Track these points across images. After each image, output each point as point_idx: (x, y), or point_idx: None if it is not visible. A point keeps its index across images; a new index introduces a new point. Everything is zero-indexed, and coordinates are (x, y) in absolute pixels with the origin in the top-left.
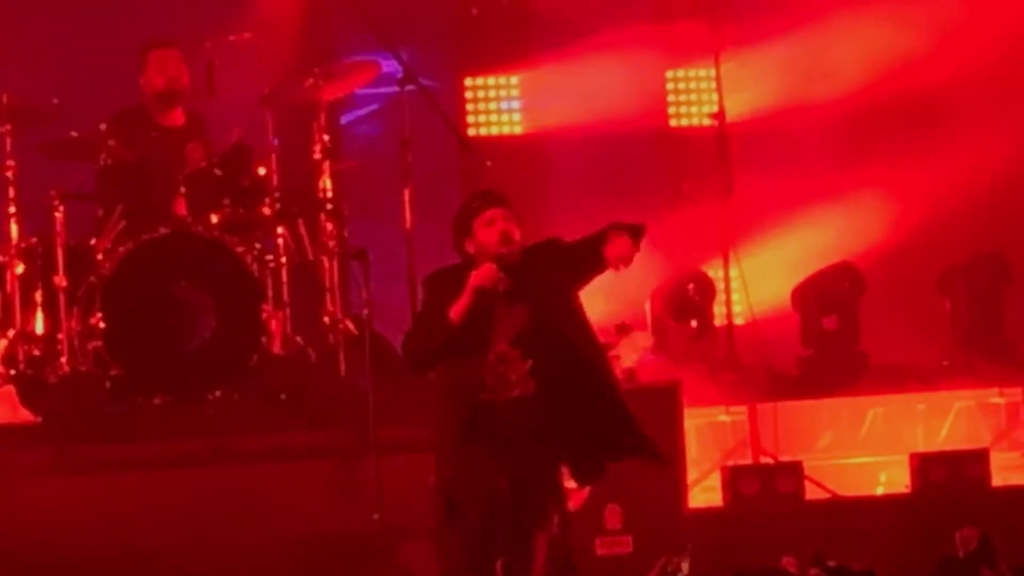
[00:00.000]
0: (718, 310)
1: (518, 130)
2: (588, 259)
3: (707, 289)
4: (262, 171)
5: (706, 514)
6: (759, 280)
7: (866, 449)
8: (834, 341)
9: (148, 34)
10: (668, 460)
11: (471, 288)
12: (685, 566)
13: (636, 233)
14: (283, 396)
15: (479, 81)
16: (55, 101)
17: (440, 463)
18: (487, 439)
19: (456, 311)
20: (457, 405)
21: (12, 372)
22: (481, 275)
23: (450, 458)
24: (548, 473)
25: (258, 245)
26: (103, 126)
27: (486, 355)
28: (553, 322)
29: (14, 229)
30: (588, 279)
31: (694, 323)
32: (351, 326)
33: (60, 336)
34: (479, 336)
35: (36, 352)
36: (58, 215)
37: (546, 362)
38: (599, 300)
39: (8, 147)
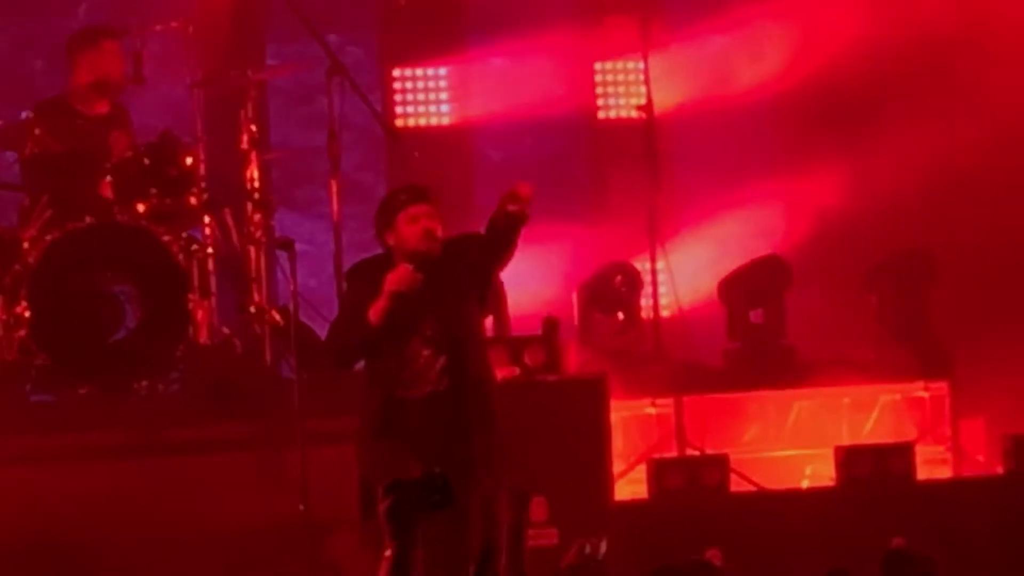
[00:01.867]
0: (645, 302)
1: (446, 121)
2: (495, 234)
3: (634, 281)
4: (189, 161)
5: (632, 507)
6: (686, 273)
7: (791, 442)
8: (760, 334)
9: (77, 24)
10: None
11: (387, 292)
12: (603, 547)
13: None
14: (209, 386)
15: (407, 72)
16: None
17: (360, 456)
18: (404, 433)
19: (375, 312)
20: (376, 400)
21: None
22: (397, 279)
23: (369, 451)
24: (465, 467)
25: (185, 235)
26: (28, 115)
27: (403, 352)
28: (458, 321)
29: None
30: (502, 257)
31: (621, 315)
32: (277, 316)
33: None
34: (397, 333)
35: None
36: None
37: (457, 359)
38: (526, 293)
39: None
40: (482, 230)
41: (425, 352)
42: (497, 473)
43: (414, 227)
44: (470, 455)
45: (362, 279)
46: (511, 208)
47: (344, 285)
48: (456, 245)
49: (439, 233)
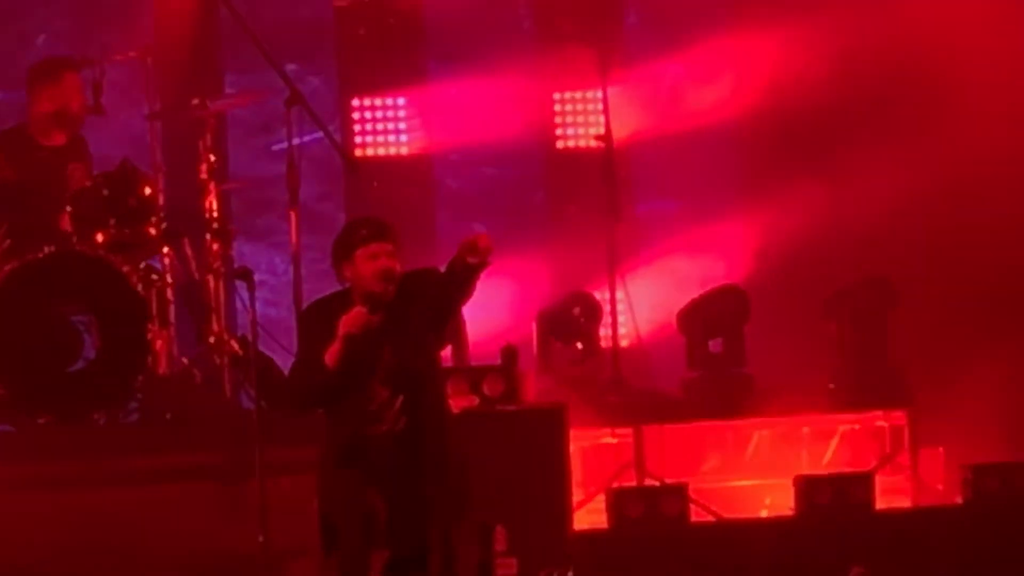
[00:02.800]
0: (604, 332)
1: (405, 151)
2: (453, 279)
3: (593, 311)
4: (148, 191)
5: (591, 536)
6: (645, 302)
7: (751, 472)
8: (720, 364)
9: (35, 55)
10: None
11: (341, 336)
12: None
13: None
14: (168, 416)
15: (366, 101)
16: None
17: (321, 487)
18: (365, 470)
19: (330, 357)
20: (337, 435)
21: None
22: (350, 321)
23: (330, 486)
24: (422, 505)
25: (143, 265)
26: None
27: (362, 391)
28: (413, 361)
29: None
30: (460, 301)
31: (580, 345)
32: (236, 346)
33: None
34: (354, 373)
35: None
36: None
37: (415, 398)
38: (485, 322)
39: None
40: (440, 265)
41: (383, 391)
42: (455, 510)
43: (373, 265)
44: (427, 493)
45: (317, 320)
46: (471, 260)
47: (300, 325)
48: (413, 281)
49: (397, 273)
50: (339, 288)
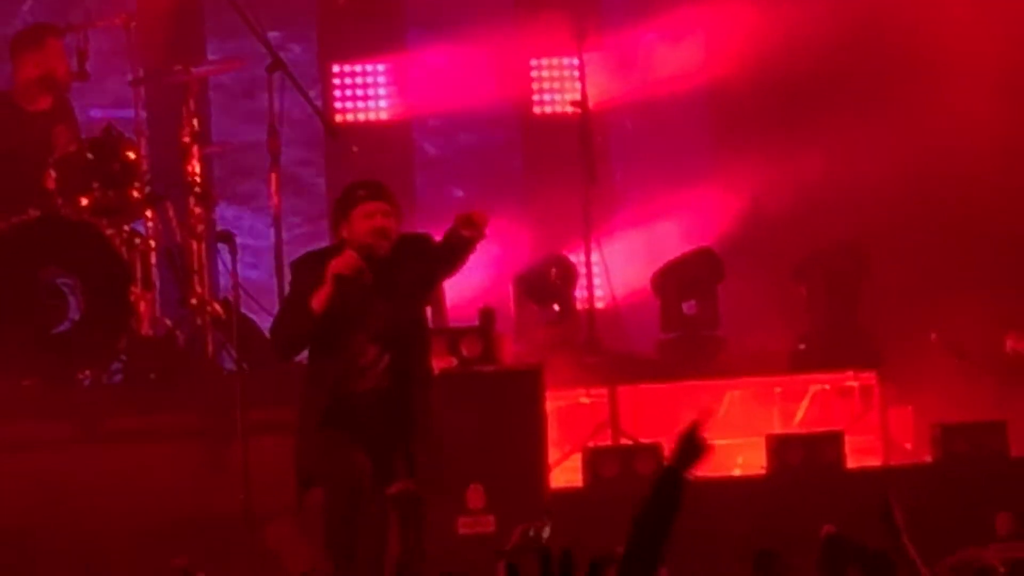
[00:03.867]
0: (579, 294)
1: (384, 116)
2: (448, 252)
3: (569, 274)
4: (132, 155)
5: (567, 494)
6: (620, 265)
7: (724, 431)
8: (693, 325)
9: (20, 22)
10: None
11: (330, 274)
12: (546, 531)
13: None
14: (151, 377)
15: (346, 68)
16: None
17: (300, 447)
18: (346, 426)
19: (317, 299)
20: (318, 394)
21: None
22: (341, 263)
23: (310, 442)
24: (404, 460)
25: (127, 228)
26: None
27: (349, 347)
28: (405, 321)
29: None
30: (451, 272)
31: (556, 307)
32: (218, 308)
33: None
34: (342, 329)
35: None
36: None
37: (401, 358)
38: (463, 284)
39: None
40: (423, 229)
41: (372, 348)
42: (430, 470)
43: (368, 222)
44: (412, 450)
45: (307, 270)
46: (466, 233)
47: (288, 277)
48: (406, 245)
49: (393, 232)
50: (330, 244)
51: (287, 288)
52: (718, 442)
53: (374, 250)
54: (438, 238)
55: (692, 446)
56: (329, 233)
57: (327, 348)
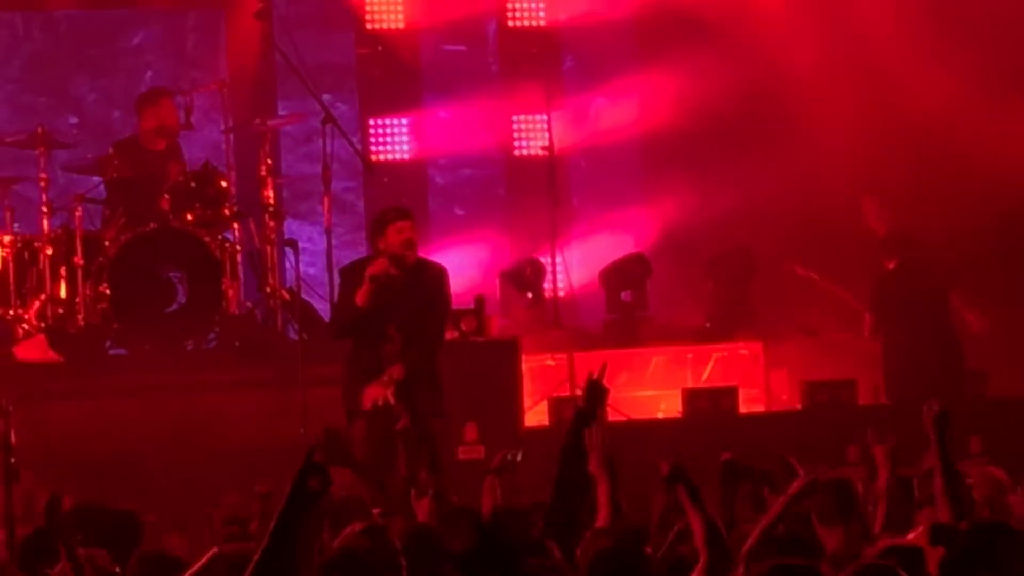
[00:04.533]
0: (548, 286)
1: (406, 156)
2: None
3: (539, 271)
4: (224, 183)
5: (536, 431)
6: (576, 265)
7: (651, 385)
8: (629, 309)
9: (144, 86)
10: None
11: (367, 277)
12: (519, 455)
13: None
14: (237, 344)
15: (379, 121)
16: (75, 131)
17: (347, 393)
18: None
19: (360, 297)
20: (359, 361)
21: (43, 325)
22: (375, 268)
23: (354, 391)
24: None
25: (220, 236)
26: (110, 150)
27: (381, 333)
28: (424, 314)
29: (46, 223)
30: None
31: (530, 295)
32: (286, 295)
33: (78, 300)
34: (377, 319)
35: (60, 311)
36: (77, 213)
37: (418, 340)
38: (463, 278)
39: (42, 164)
40: (434, 237)
41: (397, 334)
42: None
43: (399, 236)
44: (420, 398)
45: (351, 275)
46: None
47: (337, 277)
48: (430, 271)
49: (416, 242)
50: (368, 254)
51: (337, 288)
52: (646, 393)
53: (405, 258)
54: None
55: (595, 391)
56: (367, 243)
57: (366, 334)
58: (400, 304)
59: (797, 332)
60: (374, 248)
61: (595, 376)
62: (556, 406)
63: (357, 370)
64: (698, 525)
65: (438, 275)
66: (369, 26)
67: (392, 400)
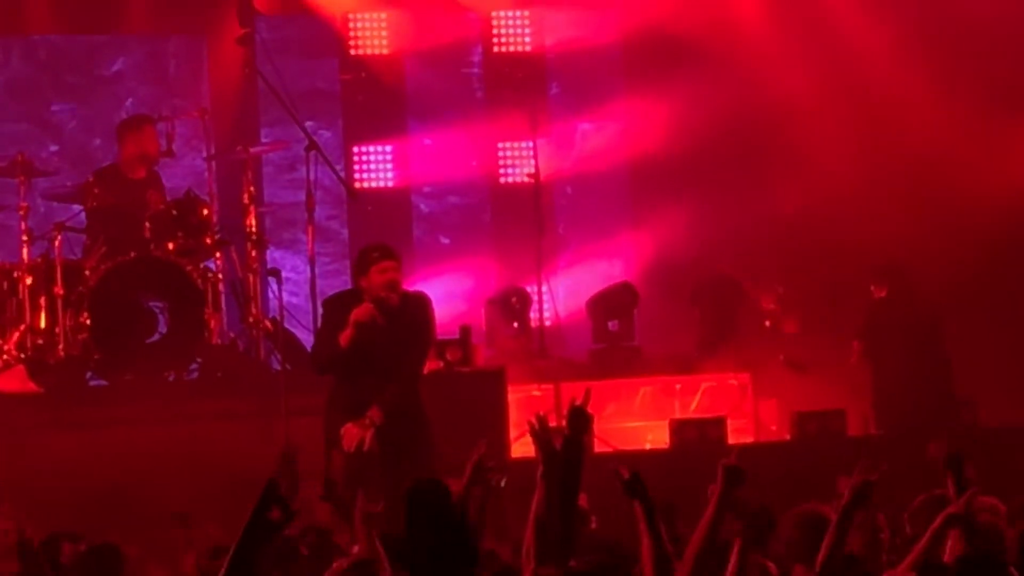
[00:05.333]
0: (533, 315)
1: (391, 184)
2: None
3: (526, 300)
4: (206, 212)
5: (523, 462)
6: (563, 294)
7: (638, 416)
8: (616, 338)
9: (124, 113)
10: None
11: (352, 322)
12: (503, 481)
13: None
14: (219, 374)
15: (363, 148)
16: (55, 159)
17: (329, 431)
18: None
19: (344, 338)
20: (342, 401)
21: (22, 355)
22: (360, 313)
23: (336, 428)
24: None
25: (202, 265)
26: (90, 178)
27: (362, 370)
28: (405, 357)
29: (25, 252)
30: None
31: (516, 325)
32: (268, 325)
33: (57, 330)
34: (359, 359)
35: (40, 341)
36: (57, 242)
37: (396, 379)
38: (448, 307)
39: (22, 192)
40: (419, 266)
41: (375, 377)
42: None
43: (382, 277)
44: (405, 438)
45: (333, 308)
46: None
47: (320, 309)
48: (412, 304)
49: (399, 283)
50: (351, 287)
51: (319, 320)
52: (633, 424)
53: (387, 300)
54: (430, 277)
55: (579, 418)
56: (351, 276)
57: (350, 369)
58: (382, 342)
59: (785, 366)
60: (356, 285)
61: (578, 403)
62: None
63: (338, 405)
64: (647, 547)
65: (421, 305)
66: (353, 52)
67: (371, 444)
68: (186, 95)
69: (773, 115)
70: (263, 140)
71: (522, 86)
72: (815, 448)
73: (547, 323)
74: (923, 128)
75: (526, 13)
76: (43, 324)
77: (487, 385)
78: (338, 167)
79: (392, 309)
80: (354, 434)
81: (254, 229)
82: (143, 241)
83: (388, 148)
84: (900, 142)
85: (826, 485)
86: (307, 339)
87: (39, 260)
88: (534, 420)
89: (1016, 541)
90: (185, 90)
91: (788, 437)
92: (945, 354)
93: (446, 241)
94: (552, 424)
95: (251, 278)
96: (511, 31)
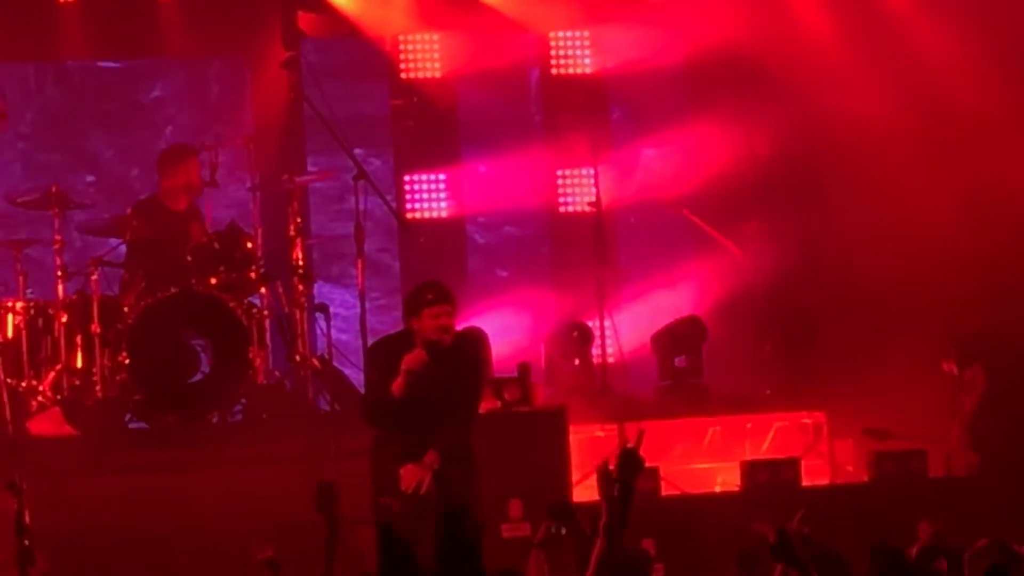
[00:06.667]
0: (595, 352)
1: (444, 214)
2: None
3: (587, 335)
4: (250, 245)
5: (586, 506)
6: (626, 329)
7: (707, 458)
8: (683, 375)
9: (164, 142)
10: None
11: (404, 371)
12: (564, 529)
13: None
14: (265, 416)
15: (415, 177)
16: (92, 191)
17: (376, 478)
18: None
19: (396, 388)
20: (394, 449)
21: (58, 397)
22: (411, 361)
23: (390, 473)
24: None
25: (246, 301)
26: (129, 210)
27: (418, 416)
28: (456, 397)
29: (61, 288)
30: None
31: (577, 362)
32: (316, 363)
33: (95, 370)
34: (413, 402)
35: (76, 382)
36: (94, 277)
37: (449, 422)
38: (505, 344)
39: (56, 226)
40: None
41: (430, 421)
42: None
43: (435, 321)
44: (454, 488)
45: (380, 356)
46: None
47: (367, 355)
48: (466, 343)
49: (452, 327)
50: (401, 328)
51: (366, 367)
52: (703, 466)
53: (438, 343)
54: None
55: (631, 462)
56: (402, 315)
57: (396, 422)
58: (435, 388)
59: (864, 435)
60: (407, 325)
61: (631, 445)
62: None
63: (387, 451)
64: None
65: (476, 343)
66: (404, 75)
67: (429, 487)
68: (228, 122)
69: (844, 139)
70: (310, 169)
71: (582, 110)
72: (894, 490)
73: (610, 359)
74: (1000, 153)
75: (586, 33)
76: (80, 364)
77: (547, 425)
78: (389, 197)
79: (445, 351)
80: (414, 475)
81: (301, 262)
82: (184, 276)
83: (441, 176)
84: (980, 164)
85: (905, 528)
86: (356, 378)
87: (75, 297)
88: (601, 467)
89: None
90: (227, 116)
91: (866, 478)
92: None
93: (503, 274)
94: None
95: (298, 314)
96: (570, 52)
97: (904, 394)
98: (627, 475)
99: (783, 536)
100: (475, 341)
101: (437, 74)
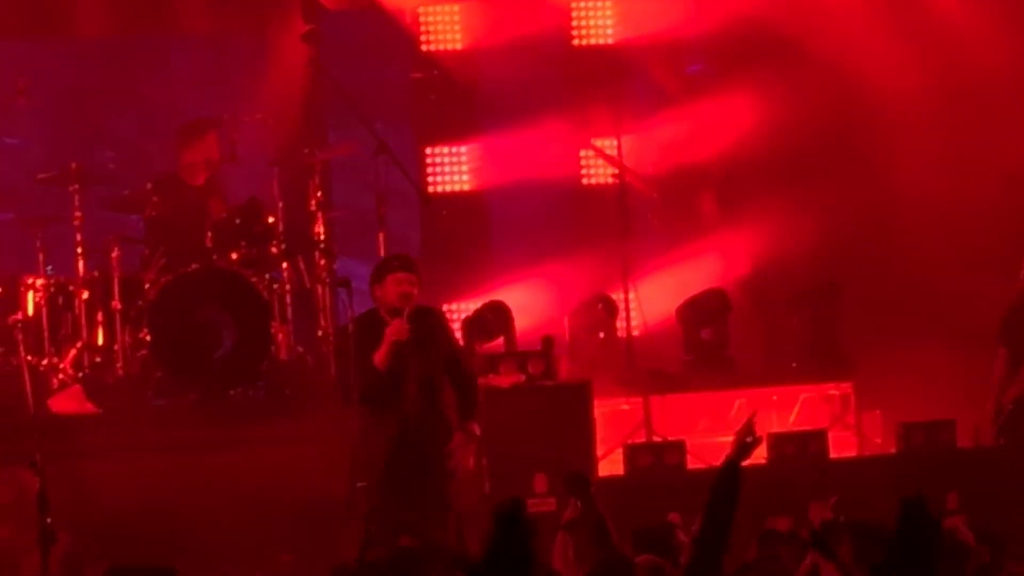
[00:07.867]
0: (620, 324)
1: (467, 187)
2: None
3: (611, 309)
4: (271, 219)
5: (611, 481)
6: (651, 301)
7: (733, 430)
8: (709, 348)
9: (184, 117)
10: None
11: (388, 342)
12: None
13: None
14: (287, 392)
15: (436, 150)
16: (111, 167)
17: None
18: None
19: (379, 361)
20: (384, 432)
21: (80, 374)
22: (395, 331)
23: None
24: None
25: (268, 276)
26: (148, 186)
27: (398, 392)
28: (432, 368)
29: (81, 265)
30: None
31: (601, 335)
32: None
33: (116, 347)
34: (395, 377)
35: (98, 359)
36: (114, 254)
37: (431, 390)
38: (529, 317)
39: (76, 202)
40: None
41: (412, 388)
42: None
43: (398, 288)
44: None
45: (364, 334)
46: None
47: (353, 335)
48: (431, 316)
49: (414, 296)
50: (371, 306)
51: (345, 351)
52: (728, 439)
53: (399, 311)
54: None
55: (748, 441)
56: (368, 284)
57: (387, 390)
58: (414, 356)
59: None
60: (371, 293)
61: (750, 425)
62: (631, 454)
63: (380, 437)
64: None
65: (438, 314)
66: (424, 48)
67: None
68: (248, 96)
69: (873, 111)
70: (330, 143)
71: (605, 81)
72: (922, 462)
73: (635, 332)
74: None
75: (608, 3)
76: (101, 341)
77: (572, 399)
78: (410, 170)
79: (415, 322)
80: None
81: (322, 237)
82: (205, 251)
83: (463, 149)
84: (1005, 139)
85: (934, 501)
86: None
87: (95, 274)
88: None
89: None
90: (247, 91)
91: (893, 450)
92: None
93: (526, 247)
94: (641, 440)
95: (320, 289)
96: (593, 22)
97: (931, 365)
98: (740, 456)
99: (816, 536)
100: (438, 313)
101: (458, 46)
